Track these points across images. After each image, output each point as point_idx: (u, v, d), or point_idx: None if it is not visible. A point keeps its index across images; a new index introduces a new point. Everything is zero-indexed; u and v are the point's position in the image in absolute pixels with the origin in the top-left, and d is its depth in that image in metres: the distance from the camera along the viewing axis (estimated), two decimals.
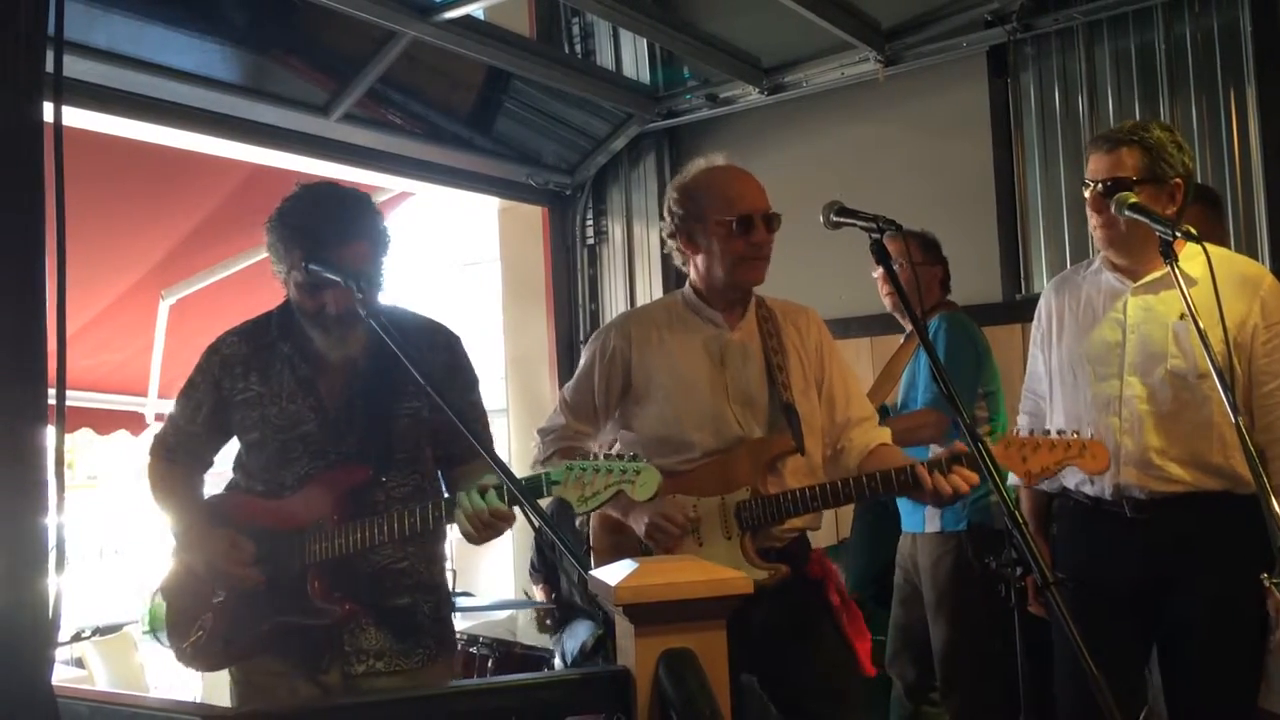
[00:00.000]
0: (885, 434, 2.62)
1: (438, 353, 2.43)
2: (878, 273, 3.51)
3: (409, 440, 2.41)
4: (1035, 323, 2.82)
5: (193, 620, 2.40)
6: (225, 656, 2.40)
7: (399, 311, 2.46)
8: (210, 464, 2.56)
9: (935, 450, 3.17)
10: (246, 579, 2.33)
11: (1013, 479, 2.76)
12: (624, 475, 2.10)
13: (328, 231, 2.27)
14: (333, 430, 2.37)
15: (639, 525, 2.47)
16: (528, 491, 2.03)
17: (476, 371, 2.53)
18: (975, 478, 2.31)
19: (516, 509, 2.16)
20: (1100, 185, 2.51)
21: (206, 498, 2.53)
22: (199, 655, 2.41)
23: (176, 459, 2.51)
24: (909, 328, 3.76)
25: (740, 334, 2.59)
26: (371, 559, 2.35)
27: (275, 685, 2.35)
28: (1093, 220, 2.58)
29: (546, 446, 2.68)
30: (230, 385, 2.42)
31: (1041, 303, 2.81)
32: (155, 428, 6.36)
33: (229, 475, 2.54)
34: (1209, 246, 2.24)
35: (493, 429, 2.54)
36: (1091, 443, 2.32)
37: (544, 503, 2.14)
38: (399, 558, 2.39)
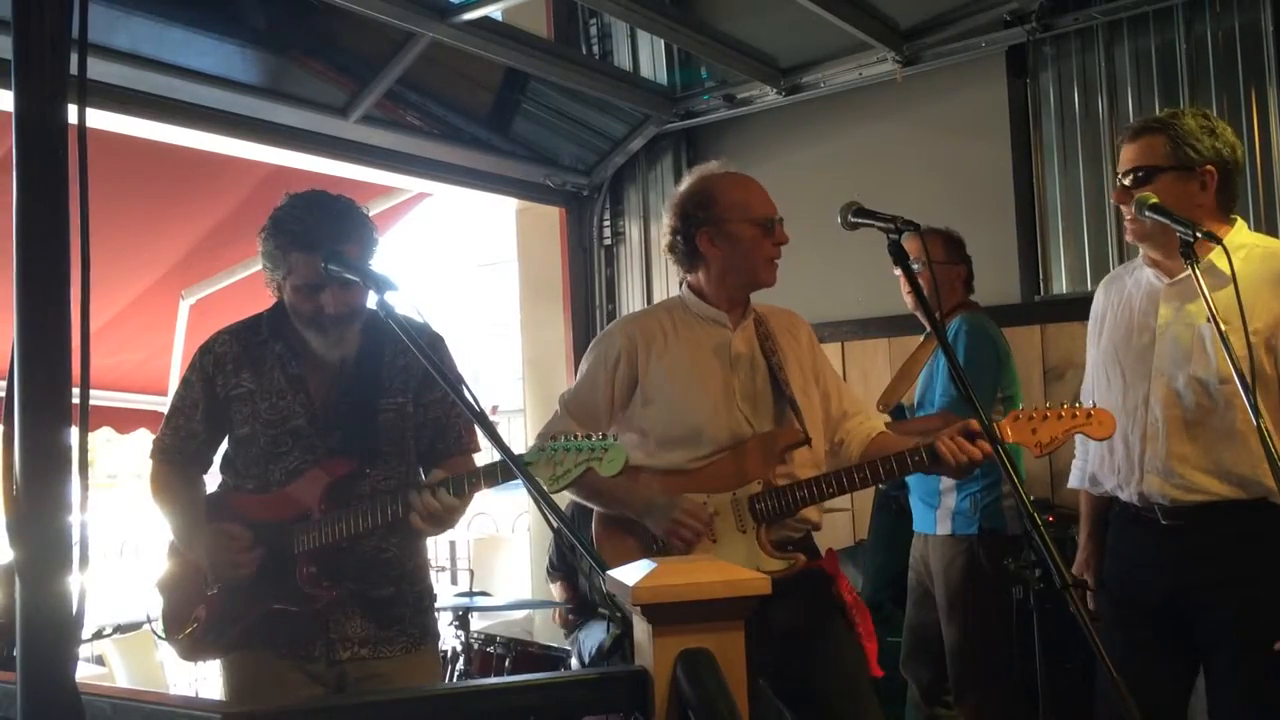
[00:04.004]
0: (881, 424, 2.69)
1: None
2: (899, 271, 3.50)
3: (394, 434, 2.52)
4: (1090, 320, 2.75)
5: (187, 614, 2.49)
6: (219, 647, 2.49)
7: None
8: (209, 464, 2.63)
9: None
10: (243, 566, 2.41)
11: (1073, 481, 2.76)
12: (593, 453, 2.18)
13: (320, 234, 2.38)
14: (320, 425, 2.48)
15: (658, 526, 2.49)
16: (519, 471, 2.07)
17: (459, 370, 2.62)
18: (989, 449, 2.30)
19: (534, 509, 2.21)
20: (1127, 177, 2.46)
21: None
22: (195, 647, 2.51)
23: (176, 460, 2.57)
24: (930, 327, 3.74)
25: (744, 335, 2.64)
26: (358, 549, 2.45)
27: (264, 676, 2.44)
28: (1121, 212, 2.52)
29: None
30: (223, 382, 2.52)
31: (1094, 300, 2.75)
32: None
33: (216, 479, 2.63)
34: (1260, 236, 2.19)
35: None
36: (1097, 410, 2.33)
37: (563, 505, 2.16)
38: (383, 548, 2.49)
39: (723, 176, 2.65)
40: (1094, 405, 2.36)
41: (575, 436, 2.22)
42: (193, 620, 2.48)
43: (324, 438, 2.47)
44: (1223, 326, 2.10)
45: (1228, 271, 2.22)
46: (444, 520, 2.37)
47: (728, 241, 2.58)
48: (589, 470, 2.19)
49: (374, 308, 2.50)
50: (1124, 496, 2.54)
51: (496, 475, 2.26)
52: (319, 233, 2.38)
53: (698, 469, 2.54)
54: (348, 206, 2.48)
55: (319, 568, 2.41)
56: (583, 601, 4.59)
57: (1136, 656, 2.38)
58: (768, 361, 2.59)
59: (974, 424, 2.34)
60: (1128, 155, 2.49)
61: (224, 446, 2.61)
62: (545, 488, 2.21)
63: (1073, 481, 2.77)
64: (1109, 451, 2.56)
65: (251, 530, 2.44)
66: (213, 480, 2.64)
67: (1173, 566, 2.43)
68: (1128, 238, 2.55)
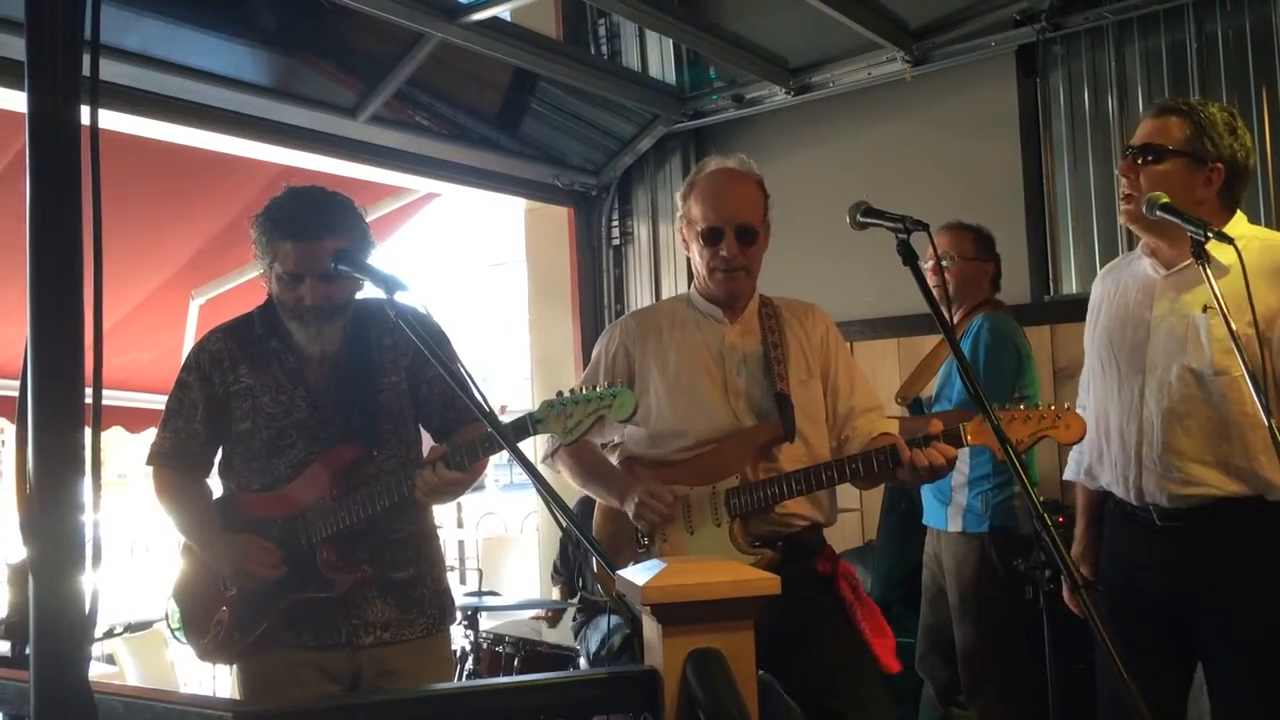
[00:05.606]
0: (890, 424, 2.66)
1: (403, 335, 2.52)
2: (928, 264, 3.49)
3: (393, 413, 2.53)
4: (1088, 310, 2.70)
5: (209, 617, 2.49)
6: (244, 646, 2.47)
7: (371, 301, 2.57)
8: (211, 466, 2.61)
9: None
10: (271, 578, 2.42)
11: (1068, 473, 2.74)
12: (602, 402, 2.19)
13: (307, 222, 2.38)
14: (323, 415, 2.48)
15: (628, 509, 2.52)
16: (514, 439, 2.06)
17: (452, 349, 2.62)
18: (953, 451, 2.32)
19: (543, 507, 2.20)
20: (1134, 150, 2.43)
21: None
22: (220, 649, 2.50)
23: (178, 464, 2.56)
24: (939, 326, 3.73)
25: (740, 328, 2.65)
26: (373, 532, 2.46)
27: (278, 674, 2.44)
28: (1120, 189, 2.48)
29: (553, 441, 2.74)
30: (220, 379, 2.51)
31: (1092, 289, 2.71)
32: None
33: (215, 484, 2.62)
34: (1258, 229, 2.17)
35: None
36: (1066, 413, 2.29)
37: (571, 502, 2.16)
38: (395, 528, 2.50)
39: (699, 180, 2.67)
40: (1067, 406, 2.33)
41: (582, 389, 2.23)
42: (215, 623, 2.47)
43: (327, 427, 2.48)
44: (1231, 322, 2.06)
45: (1226, 261, 2.20)
46: (445, 494, 2.40)
47: (690, 245, 2.66)
48: (600, 419, 2.20)
49: (360, 299, 2.55)
50: (1119, 492, 2.51)
51: (501, 442, 2.18)
52: (306, 221, 2.38)
53: (684, 461, 2.58)
54: (339, 199, 2.48)
55: (339, 552, 2.43)
56: (587, 601, 4.59)
57: (1136, 657, 2.35)
58: (765, 354, 2.60)
59: (934, 428, 2.34)
60: (1145, 130, 2.45)
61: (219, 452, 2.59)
62: (561, 439, 2.27)
63: (1068, 474, 2.74)
64: (1106, 444, 2.53)
65: (269, 528, 2.45)
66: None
67: (1169, 568, 2.41)
68: (1121, 218, 2.51)
